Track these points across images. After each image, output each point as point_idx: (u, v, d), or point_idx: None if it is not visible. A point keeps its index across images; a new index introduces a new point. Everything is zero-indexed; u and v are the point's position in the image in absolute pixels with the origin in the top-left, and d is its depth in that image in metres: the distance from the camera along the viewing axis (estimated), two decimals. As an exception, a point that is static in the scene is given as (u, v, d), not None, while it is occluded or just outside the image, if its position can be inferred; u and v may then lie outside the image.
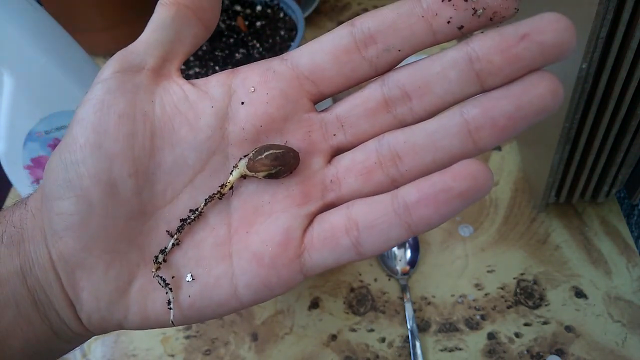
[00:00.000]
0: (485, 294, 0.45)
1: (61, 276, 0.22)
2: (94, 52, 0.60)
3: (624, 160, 0.42)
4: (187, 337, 0.45)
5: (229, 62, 0.51)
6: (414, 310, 0.44)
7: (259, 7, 0.55)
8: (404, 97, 0.22)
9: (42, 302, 0.23)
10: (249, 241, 0.22)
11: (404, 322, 0.44)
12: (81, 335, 0.24)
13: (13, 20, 0.40)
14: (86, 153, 0.21)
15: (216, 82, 0.23)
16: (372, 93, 0.22)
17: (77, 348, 0.45)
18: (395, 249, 0.47)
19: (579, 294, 0.44)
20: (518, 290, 0.45)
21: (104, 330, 0.23)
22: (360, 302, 0.46)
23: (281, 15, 0.54)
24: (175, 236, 0.22)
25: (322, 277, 0.47)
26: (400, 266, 0.46)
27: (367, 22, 0.22)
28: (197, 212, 0.22)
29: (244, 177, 0.22)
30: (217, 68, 0.50)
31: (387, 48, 0.21)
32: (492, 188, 0.19)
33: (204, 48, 0.53)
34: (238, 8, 0.55)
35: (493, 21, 0.20)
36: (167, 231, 0.22)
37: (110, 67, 0.22)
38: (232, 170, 0.22)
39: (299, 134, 0.23)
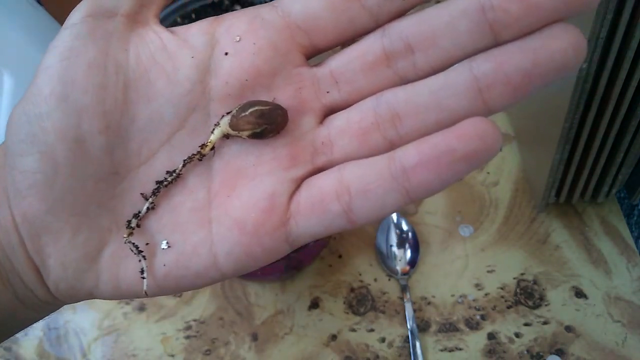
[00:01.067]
0: (485, 294, 0.45)
1: (25, 240, 0.20)
2: (94, 52, 0.60)
3: (624, 160, 0.42)
4: (187, 337, 0.45)
5: (229, 62, 0.51)
6: (414, 310, 0.44)
7: (259, 7, 0.55)
8: (407, 50, 0.19)
9: (4, 268, 0.21)
10: (230, 206, 0.20)
11: (404, 322, 0.44)
12: (50, 303, 0.22)
13: (13, 20, 0.40)
14: (51, 105, 0.19)
15: (197, 30, 0.21)
16: (371, 45, 0.20)
17: (76, 348, 0.46)
18: (395, 249, 0.47)
19: (579, 294, 0.44)
20: (518, 290, 0.45)
21: (74, 299, 0.21)
22: (360, 302, 0.46)
23: (281, 15, 0.54)
24: (150, 199, 0.20)
25: (322, 277, 0.47)
26: (400, 266, 0.46)
27: None
28: (174, 174, 0.20)
29: (226, 136, 0.20)
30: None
31: None
32: (499, 150, 0.17)
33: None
34: (238, 8, 0.55)
35: None
36: (141, 194, 0.20)
37: (80, 11, 0.20)
38: (213, 129, 0.20)
39: (288, 90, 0.21)
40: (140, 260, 0.20)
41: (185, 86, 0.20)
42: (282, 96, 0.21)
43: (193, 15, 0.55)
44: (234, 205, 0.20)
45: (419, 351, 0.42)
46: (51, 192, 0.19)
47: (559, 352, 0.41)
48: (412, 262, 0.47)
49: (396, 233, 0.48)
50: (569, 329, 0.42)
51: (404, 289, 0.45)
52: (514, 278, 0.45)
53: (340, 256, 0.48)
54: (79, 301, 0.22)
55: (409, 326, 0.43)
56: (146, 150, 0.20)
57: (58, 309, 0.23)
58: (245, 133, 0.20)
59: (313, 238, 0.20)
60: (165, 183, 0.20)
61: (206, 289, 0.47)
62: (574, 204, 0.49)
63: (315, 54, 0.21)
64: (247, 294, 0.47)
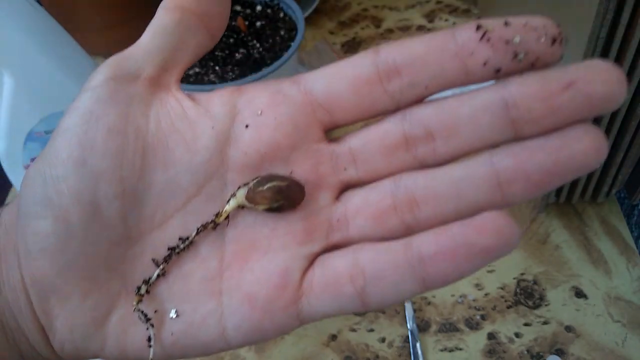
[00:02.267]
0: (485, 294, 0.45)
1: (33, 301, 0.20)
2: (94, 52, 0.60)
3: (624, 160, 0.42)
4: (187, 337, 0.45)
5: (228, 62, 0.51)
6: (414, 310, 0.44)
7: (259, 7, 0.55)
8: (428, 136, 0.19)
9: (10, 327, 0.20)
10: (242, 279, 0.20)
11: (404, 322, 0.44)
12: None
13: (13, 20, 0.40)
14: (68, 168, 0.19)
15: (219, 100, 0.21)
16: (391, 128, 0.20)
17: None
18: (395, 249, 0.47)
19: (579, 294, 0.44)
20: (518, 290, 0.45)
21: (78, 359, 0.21)
22: (360, 302, 0.46)
23: (281, 15, 0.54)
24: (161, 266, 0.20)
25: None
26: (400, 266, 0.46)
27: (393, 53, 0.20)
28: (187, 241, 0.20)
29: (242, 207, 0.20)
30: (217, 68, 0.50)
31: (412, 83, 0.19)
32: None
33: (204, 48, 0.53)
34: (238, 8, 0.55)
35: (535, 67, 0.18)
36: (153, 259, 0.20)
37: (103, 73, 0.20)
38: (229, 199, 0.20)
39: (306, 164, 0.21)
40: (147, 329, 0.20)
41: (204, 155, 0.20)
42: (300, 170, 0.21)
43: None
44: (246, 278, 0.20)
45: (419, 351, 0.42)
46: (63, 255, 0.19)
47: (559, 352, 0.41)
48: (412, 262, 0.47)
49: (396, 233, 0.48)
50: (569, 329, 0.42)
51: (404, 289, 0.45)
52: (514, 278, 0.45)
53: (340, 256, 0.48)
54: None
55: (409, 326, 0.43)
56: (160, 215, 0.20)
57: None
58: (262, 207, 0.20)
59: (324, 317, 0.20)
60: (177, 250, 0.20)
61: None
62: (574, 204, 0.49)
63: (334, 129, 0.22)
64: (247, 294, 0.47)
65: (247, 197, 0.20)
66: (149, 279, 0.20)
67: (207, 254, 0.21)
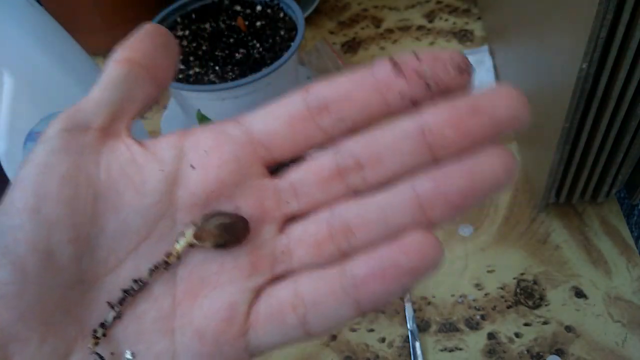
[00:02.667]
0: (485, 294, 0.45)
1: None
2: (94, 52, 0.60)
3: (624, 160, 0.42)
4: (187, 337, 0.45)
5: (229, 62, 0.51)
6: (414, 310, 0.44)
7: (259, 7, 0.55)
8: (357, 166, 0.21)
9: None
10: (192, 315, 0.21)
11: (404, 322, 0.44)
12: None
13: (13, 20, 0.40)
14: (24, 218, 0.19)
15: (166, 144, 0.22)
16: (326, 162, 0.22)
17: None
18: (395, 249, 0.47)
19: (579, 294, 0.44)
20: (518, 290, 0.45)
21: None
22: (360, 302, 0.46)
23: (281, 15, 0.54)
24: (116, 309, 0.21)
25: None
26: (400, 266, 0.46)
27: (321, 91, 0.21)
28: (140, 283, 0.21)
29: (191, 245, 0.21)
30: (217, 68, 0.50)
31: (341, 118, 0.21)
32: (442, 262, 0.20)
33: (204, 48, 0.53)
34: (238, 8, 0.55)
35: (446, 95, 0.20)
36: (108, 302, 0.21)
37: (56, 125, 0.21)
38: (178, 239, 0.21)
39: (251, 200, 0.22)
40: None
41: (153, 197, 0.21)
42: (245, 205, 0.22)
43: (193, 16, 0.55)
44: (196, 314, 0.21)
45: (419, 351, 0.42)
46: (21, 302, 0.20)
47: (559, 352, 0.41)
48: (412, 262, 0.47)
49: (396, 233, 0.48)
50: (569, 329, 0.42)
51: (404, 289, 0.45)
52: (514, 278, 0.45)
53: (340, 256, 0.48)
54: None
55: (409, 326, 0.43)
56: (113, 259, 0.21)
57: None
58: (209, 244, 0.21)
59: (272, 348, 0.21)
60: (131, 292, 0.21)
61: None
62: (574, 204, 0.49)
63: (275, 165, 0.23)
64: (247, 294, 0.47)
65: (195, 236, 0.21)
66: (105, 321, 0.21)
67: (160, 293, 0.21)
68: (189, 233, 0.21)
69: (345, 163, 0.21)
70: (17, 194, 0.20)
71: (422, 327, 0.44)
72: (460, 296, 0.45)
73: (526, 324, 0.43)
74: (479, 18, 0.66)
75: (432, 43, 0.65)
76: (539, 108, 0.45)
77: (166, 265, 0.21)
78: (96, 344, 0.20)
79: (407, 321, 0.43)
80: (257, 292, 0.21)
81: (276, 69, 0.47)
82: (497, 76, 0.58)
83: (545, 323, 0.43)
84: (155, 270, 0.21)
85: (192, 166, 0.21)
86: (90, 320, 0.21)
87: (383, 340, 0.43)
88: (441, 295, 0.45)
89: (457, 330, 0.43)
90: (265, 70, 0.47)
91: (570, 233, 0.47)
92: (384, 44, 0.66)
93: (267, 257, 0.21)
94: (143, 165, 0.21)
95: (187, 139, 0.22)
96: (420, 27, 0.67)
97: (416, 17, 0.68)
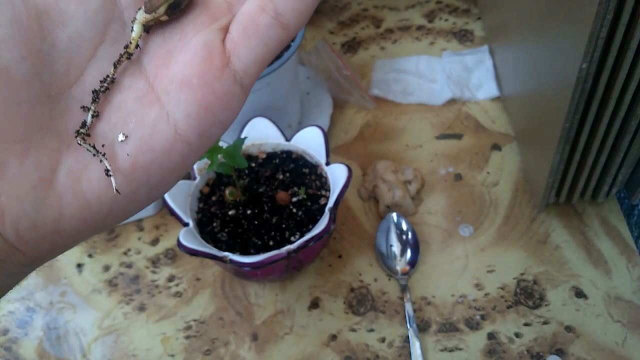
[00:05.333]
0: (485, 294, 0.45)
1: None
2: (94, 52, 0.60)
3: (624, 160, 0.42)
4: (187, 337, 0.45)
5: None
6: (414, 310, 0.44)
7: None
8: None
9: None
10: (171, 74, 0.21)
11: (404, 322, 0.44)
12: (12, 262, 0.20)
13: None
14: None
15: None
16: None
17: (76, 348, 0.46)
18: (395, 249, 0.47)
19: (579, 294, 0.44)
20: (518, 290, 0.45)
21: (38, 243, 0.20)
22: (360, 302, 0.46)
23: (281, 15, 0.53)
24: (92, 107, 0.21)
25: (322, 277, 0.47)
26: (400, 266, 0.46)
27: None
28: (108, 79, 0.21)
29: (146, 31, 0.22)
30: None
31: None
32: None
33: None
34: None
35: None
36: (82, 107, 0.21)
37: None
38: (132, 27, 0.21)
39: None
40: (101, 161, 0.20)
41: (96, 2, 0.21)
42: None
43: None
44: (175, 71, 0.21)
45: (419, 351, 0.42)
46: None
47: (559, 352, 0.41)
48: (412, 262, 0.47)
49: (396, 233, 0.48)
50: (569, 329, 0.42)
51: (404, 289, 0.45)
52: (514, 278, 0.45)
53: (340, 256, 0.48)
54: (44, 248, 0.21)
55: (409, 326, 0.43)
56: (74, 69, 0.21)
57: (25, 272, 0.22)
58: (162, 9, 0.21)
59: (259, 64, 0.20)
60: (102, 89, 0.21)
61: (206, 288, 0.47)
62: (574, 204, 0.49)
63: None
64: (247, 294, 0.47)
65: (146, 9, 0.21)
66: (85, 121, 0.21)
67: (131, 82, 0.21)
68: (140, 13, 0.21)
69: None
70: None
71: (422, 327, 0.44)
72: (460, 296, 0.45)
73: (526, 324, 0.43)
74: (479, 18, 0.66)
75: (432, 43, 0.65)
76: (539, 108, 0.45)
77: (128, 55, 0.21)
78: (83, 138, 0.20)
79: (407, 321, 0.43)
80: (225, 31, 0.21)
81: (276, 68, 0.47)
82: (497, 76, 0.58)
83: (545, 323, 0.43)
84: (118, 63, 0.21)
85: None
86: (68, 130, 0.21)
87: (383, 340, 0.43)
88: (441, 295, 0.45)
89: (457, 330, 0.43)
90: (265, 70, 0.46)
91: (570, 233, 0.47)
92: (384, 44, 0.66)
93: (222, 4, 0.22)
94: None
95: None
96: (420, 27, 0.67)
97: (416, 17, 0.68)
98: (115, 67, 0.21)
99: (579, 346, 0.41)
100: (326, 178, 0.45)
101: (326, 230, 0.39)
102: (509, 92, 0.55)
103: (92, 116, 0.21)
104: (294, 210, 0.44)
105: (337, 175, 0.43)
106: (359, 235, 0.49)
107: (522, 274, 0.46)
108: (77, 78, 0.21)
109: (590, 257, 0.46)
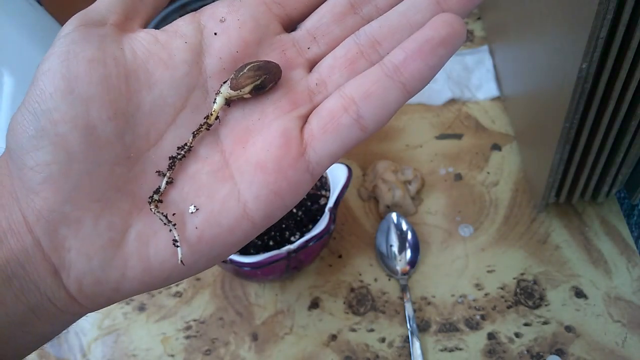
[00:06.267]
0: (485, 294, 0.45)
1: (41, 239, 0.20)
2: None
3: (624, 160, 0.42)
4: (187, 337, 0.45)
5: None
6: (414, 310, 0.44)
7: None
8: None
9: (17, 277, 0.20)
10: (247, 155, 0.21)
11: (404, 322, 0.44)
12: (68, 312, 0.21)
13: (13, 20, 0.40)
14: (58, 100, 0.19)
15: (184, 22, 0.23)
16: (336, 0, 0.23)
17: (76, 348, 0.46)
18: (395, 249, 0.47)
19: (579, 294, 0.44)
20: (518, 290, 0.45)
21: (96, 298, 0.21)
22: (360, 302, 0.46)
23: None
24: (167, 174, 0.21)
25: (322, 277, 0.47)
26: (400, 266, 0.46)
27: None
28: (186, 147, 0.21)
29: (227, 104, 0.22)
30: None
31: None
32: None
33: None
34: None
35: None
36: (157, 171, 0.21)
37: (71, 24, 0.21)
38: (215, 99, 0.22)
39: (274, 54, 0.23)
40: (170, 230, 0.20)
41: (183, 69, 0.22)
42: (269, 59, 0.23)
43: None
44: (251, 152, 0.21)
45: (419, 351, 0.42)
46: (67, 180, 0.20)
47: (559, 352, 0.41)
48: (412, 262, 0.47)
49: (396, 233, 0.48)
50: (569, 329, 0.42)
51: (404, 289, 0.45)
52: (514, 278, 0.45)
53: (340, 256, 0.48)
54: (102, 302, 0.21)
55: (409, 326, 0.43)
56: (154, 132, 0.21)
57: (75, 320, 0.22)
58: (247, 89, 0.21)
59: (333, 158, 0.21)
60: (179, 157, 0.21)
61: (206, 288, 0.47)
62: (574, 204, 0.49)
63: (291, 24, 0.24)
64: (247, 294, 0.47)
65: (232, 86, 0.21)
66: (159, 187, 0.21)
67: (207, 153, 0.22)
68: (225, 88, 0.22)
69: None
70: (44, 81, 0.20)
71: (422, 327, 0.44)
72: (460, 296, 0.45)
73: (526, 324, 0.43)
74: (479, 18, 0.66)
75: (432, 43, 0.64)
76: (539, 108, 0.45)
77: (207, 126, 0.22)
78: (156, 205, 0.21)
79: (407, 321, 0.43)
80: (304, 119, 0.22)
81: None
82: (497, 76, 0.58)
83: (545, 323, 0.43)
84: (197, 133, 0.21)
85: (214, 33, 0.22)
86: (142, 193, 0.21)
87: (383, 340, 0.43)
88: (441, 295, 0.45)
89: (457, 330, 0.43)
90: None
91: (570, 233, 0.47)
92: (384, 44, 0.66)
93: (304, 92, 0.22)
94: (166, 42, 0.22)
95: (203, 13, 0.23)
96: (420, 27, 0.67)
97: (416, 17, 0.68)
98: (194, 136, 0.21)
99: (579, 346, 0.41)
100: (326, 178, 0.45)
101: (326, 230, 0.39)
102: (509, 92, 0.55)
103: (167, 182, 0.21)
104: (294, 210, 0.45)
105: (337, 175, 0.43)
106: (359, 235, 0.49)
107: (522, 274, 0.46)
108: (155, 142, 0.21)
109: (590, 257, 0.46)
